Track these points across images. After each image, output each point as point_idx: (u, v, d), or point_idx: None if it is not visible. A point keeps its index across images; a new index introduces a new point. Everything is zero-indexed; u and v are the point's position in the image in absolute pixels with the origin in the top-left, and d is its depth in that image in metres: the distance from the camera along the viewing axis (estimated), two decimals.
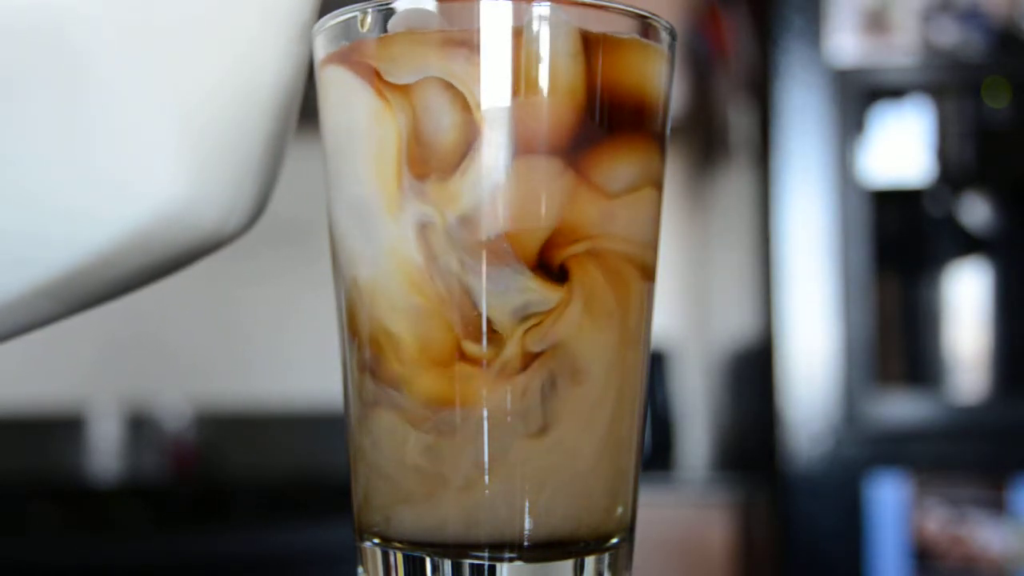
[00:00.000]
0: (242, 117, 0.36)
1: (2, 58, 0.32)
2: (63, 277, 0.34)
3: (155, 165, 0.34)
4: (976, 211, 1.64)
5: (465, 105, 0.30)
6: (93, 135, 0.33)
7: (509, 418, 0.30)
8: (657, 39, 0.32)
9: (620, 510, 0.32)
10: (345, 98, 0.32)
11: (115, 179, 0.34)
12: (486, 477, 0.30)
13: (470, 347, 0.30)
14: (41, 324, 0.37)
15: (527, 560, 0.31)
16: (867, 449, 1.49)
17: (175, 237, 0.35)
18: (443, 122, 0.30)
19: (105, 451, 1.93)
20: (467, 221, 0.30)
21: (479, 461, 0.30)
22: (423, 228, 0.30)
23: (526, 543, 0.31)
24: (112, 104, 0.33)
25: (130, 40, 0.33)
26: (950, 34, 1.53)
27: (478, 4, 0.30)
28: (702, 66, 1.81)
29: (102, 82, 0.33)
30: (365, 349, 0.32)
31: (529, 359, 0.30)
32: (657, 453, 1.79)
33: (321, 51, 0.33)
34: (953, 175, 1.61)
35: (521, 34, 0.30)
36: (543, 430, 0.31)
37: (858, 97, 1.52)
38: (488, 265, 0.30)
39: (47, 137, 0.33)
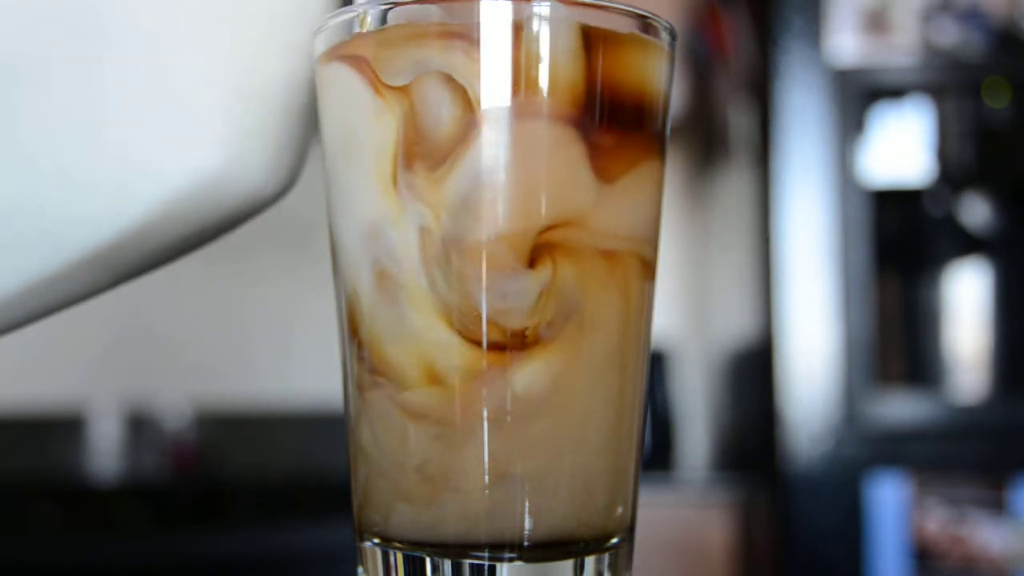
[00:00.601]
0: (280, 81, 0.36)
1: (41, 25, 0.33)
2: (108, 246, 0.35)
3: (197, 129, 0.35)
4: (976, 211, 1.64)
5: (464, 100, 0.30)
6: (138, 103, 0.34)
7: (509, 418, 0.30)
8: (657, 38, 0.32)
9: (620, 510, 0.32)
10: (343, 96, 0.32)
11: (158, 145, 0.34)
12: (486, 477, 0.30)
13: (469, 348, 0.30)
14: (85, 296, 0.37)
15: (527, 560, 0.31)
16: (867, 449, 1.49)
17: (218, 202, 0.35)
18: (442, 117, 0.30)
19: (105, 451, 1.93)
20: (466, 218, 0.30)
21: (479, 461, 0.30)
22: (421, 227, 0.30)
23: (526, 543, 0.31)
24: (155, 71, 0.34)
25: (172, 7, 0.34)
26: (950, 34, 1.53)
27: (479, 0, 0.30)
28: (702, 66, 1.81)
29: (143, 49, 0.34)
30: (365, 349, 0.32)
31: (529, 359, 0.30)
32: (657, 453, 1.79)
33: (320, 50, 0.33)
34: (953, 175, 1.61)
35: (521, 29, 0.30)
36: (543, 430, 0.31)
37: (858, 97, 1.52)
38: (487, 264, 0.30)
39: (92, 105, 0.34)
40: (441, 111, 0.30)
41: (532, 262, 0.30)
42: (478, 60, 0.30)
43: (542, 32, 0.30)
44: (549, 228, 0.30)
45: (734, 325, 1.77)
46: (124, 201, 0.34)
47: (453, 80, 0.30)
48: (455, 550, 0.31)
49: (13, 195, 0.34)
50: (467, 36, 0.30)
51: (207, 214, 0.36)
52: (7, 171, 0.34)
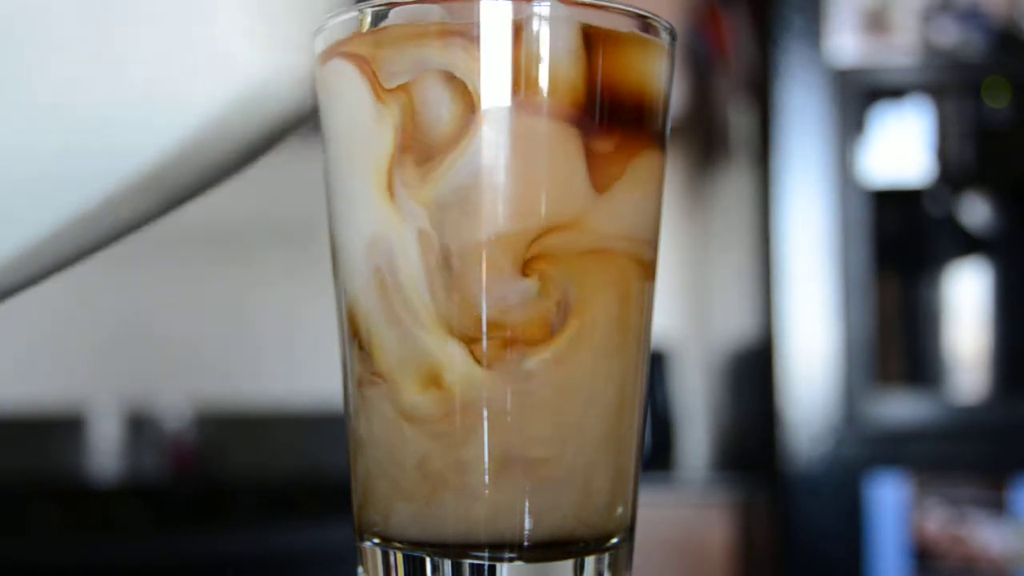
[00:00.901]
0: None
1: None
2: (156, 167, 0.35)
3: (233, 46, 0.35)
4: (976, 211, 1.63)
5: (464, 99, 0.30)
6: (172, 24, 0.34)
7: (509, 418, 0.30)
8: (657, 38, 0.33)
9: (620, 510, 0.32)
10: (343, 97, 0.32)
11: (196, 63, 0.35)
12: (486, 477, 0.30)
13: (469, 350, 0.30)
14: (136, 225, 0.37)
15: (527, 560, 0.31)
16: (867, 449, 1.49)
17: (260, 117, 0.36)
18: (442, 116, 0.30)
19: (105, 451, 1.93)
20: (464, 218, 0.30)
21: (479, 461, 0.30)
22: (419, 229, 0.30)
23: (526, 543, 0.31)
24: None
25: None
26: (950, 34, 1.53)
27: (479, 0, 0.30)
28: (702, 66, 1.81)
29: None
30: (365, 350, 0.32)
31: (529, 360, 0.30)
32: (657, 453, 1.79)
33: (320, 50, 0.33)
34: (953, 175, 1.61)
35: (521, 29, 0.30)
36: (542, 431, 0.31)
37: (858, 97, 1.52)
38: (485, 266, 0.30)
39: (122, 30, 0.34)
40: (441, 110, 0.30)
41: (530, 264, 0.30)
42: (478, 59, 0.30)
43: (542, 32, 0.30)
44: (548, 228, 0.30)
45: (734, 325, 1.77)
46: (164, 126, 0.35)
47: (453, 80, 0.30)
48: (455, 550, 0.31)
49: (50, 134, 0.34)
50: (467, 36, 0.30)
51: (249, 131, 0.36)
52: (48, 111, 0.34)
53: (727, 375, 1.86)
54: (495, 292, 0.30)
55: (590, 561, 0.31)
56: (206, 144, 0.35)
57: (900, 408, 1.50)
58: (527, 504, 0.31)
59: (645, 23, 0.32)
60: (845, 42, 1.52)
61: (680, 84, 1.79)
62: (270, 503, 1.70)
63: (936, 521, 1.49)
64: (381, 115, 0.31)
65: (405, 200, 0.30)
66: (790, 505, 1.49)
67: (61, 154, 0.34)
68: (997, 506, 1.48)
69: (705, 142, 1.95)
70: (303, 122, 0.38)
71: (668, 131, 0.34)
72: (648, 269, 0.33)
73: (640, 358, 0.33)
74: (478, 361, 0.30)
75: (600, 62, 0.31)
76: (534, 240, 0.30)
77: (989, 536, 1.48)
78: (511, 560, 0.31)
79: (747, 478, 1.64)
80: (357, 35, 0.32)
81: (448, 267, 0.30)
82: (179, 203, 0.38)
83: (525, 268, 0.30)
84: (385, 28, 0.31)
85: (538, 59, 0.30)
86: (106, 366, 2.00)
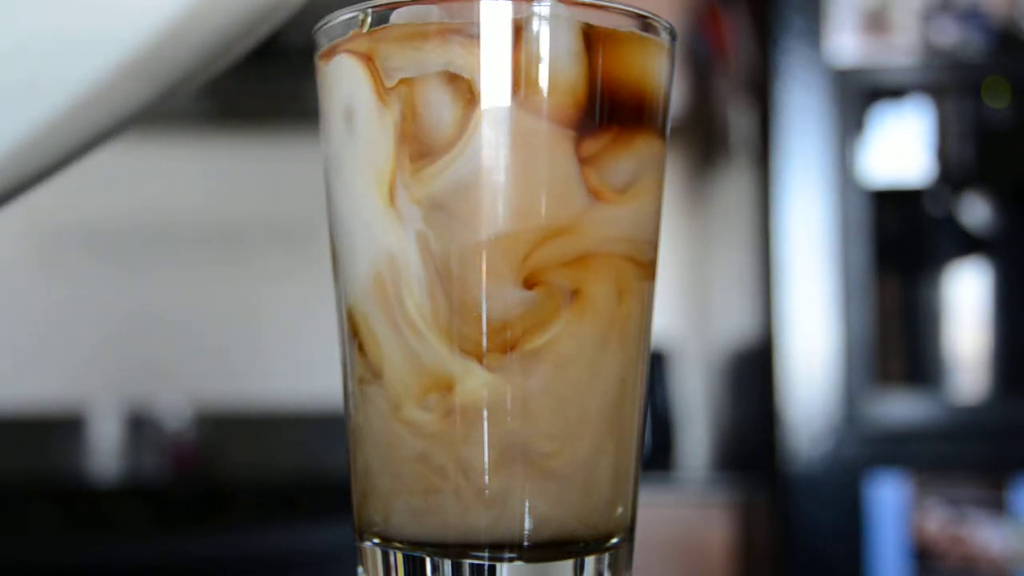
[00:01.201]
0: None
1: None
2: (145, 52, 0.34)
3: None
4: (976, 211, 1.63)
5: (464, 100, 0.30)
6: None
7: (508, 419, 0.30)
8: (657, 38, 0.33)
9: (620, 510, 0.32)
10: (343, 96, 0.32)
11: None
12: (486, 478, 0.30)
13: (469, 351, 0.30)
14: (139, 113, 0.37)
15: (527, 560, 0.31)
16: (867, 449, 1.49)
17: None
18: (443, 117, 0.30)
19: (105, 451, 1.93)
20: (462, 218, 0.30)
21: (479, 462, 0.30)
22: (417, 231, 0.30)
23: (526, 543, 0.31)
24: None
25: None
26: (950, 34, 1.53)
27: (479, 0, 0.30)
28: (702, 66, 1.81)
29: None
30: (364, 350, 0.32)
31: (528, 361, 0.30)
32: (657, 453, 1.79)
33: (320, 49, 0.33)
34: (953, 175, 1.61)
35: (522, 28, 0.30)
36: (542, 432, 0.31)
37: (858, 97, 1.52)
38: (487, 263, 0.30)
39: None
40: (442, 110, 0.30)
41: (529, 264, 0.30)
42: (478, 59, 0.30)
43: (542, 32, 0.30)
44: (547, 228, 0.30)
45: (734, 325, 1.77)
46: (148, 7, 0.34)
47: (454, 80, 0.30)
48: (455, 550, 0.31)
49: (34, 26, 0.34)
50: (467, 35, 0.30)
51: (236, 10, 0.35)
52: (27, 4, 0.33)
53: (727, 375, 1.86)
54: (494, 292, 0.30)
55: (590, 561, 0.31)
56: (191, 26, 0.34)
57: (900, 408, 1.50)
58: (527, 504, 0.31)
59: (645, 23, 0.32)
60: (845, 42, 1.52)
61: (680, 84, 1.79)
62: (270, 503, 1.70)
63: (936, 521, 1.49)
64: (382, 115, 0.31)
65: (405, 200, 0.30)
66: (790, 505, 1.49)
67: (47, 46, 0.34)
68: (997, 506, 1.48)
69: (705, 142, 1.95)
70: (286, 9, 0.37)
71: (668, 131, 0.34)
72: (648, 269, 0.33)
73: (640, 358, 0.33)
74: (478, 362, 0.30)
75: (600, 62, 0.31)
76: (533, 240, 0.30)
77: (989, 536, 1.48)
78: (511, 560, 0.31)
79: (747, 478, 1.64)
80: (357, 35, 0.32)
81: (447, 267, 0.30)
82: (171, 90, 0.37)
83: (524, 269, 0.30)
84: (385, 28, 0.31)
85: (538, 59, 0.30)
86: (106, 365, 2.00)
